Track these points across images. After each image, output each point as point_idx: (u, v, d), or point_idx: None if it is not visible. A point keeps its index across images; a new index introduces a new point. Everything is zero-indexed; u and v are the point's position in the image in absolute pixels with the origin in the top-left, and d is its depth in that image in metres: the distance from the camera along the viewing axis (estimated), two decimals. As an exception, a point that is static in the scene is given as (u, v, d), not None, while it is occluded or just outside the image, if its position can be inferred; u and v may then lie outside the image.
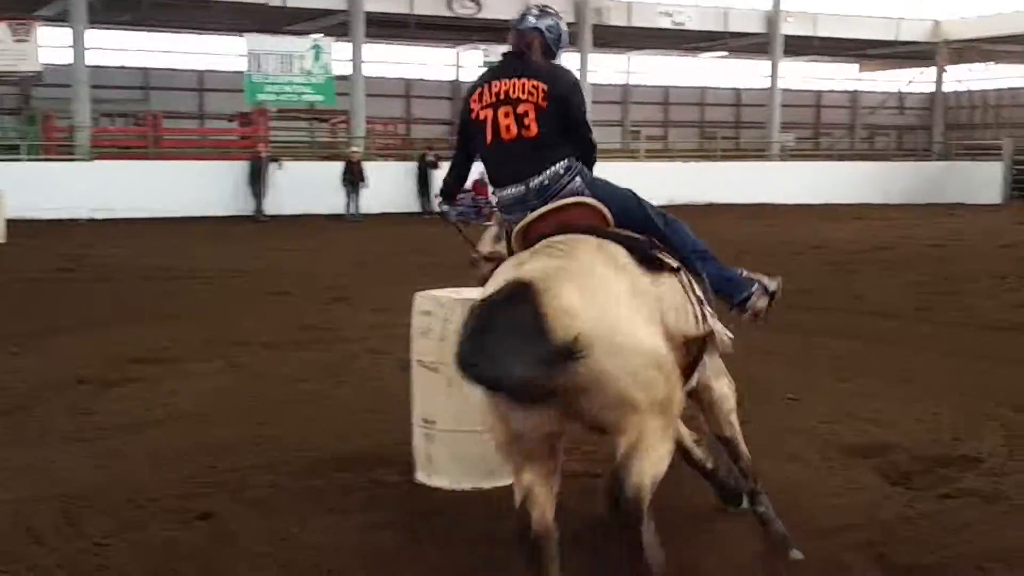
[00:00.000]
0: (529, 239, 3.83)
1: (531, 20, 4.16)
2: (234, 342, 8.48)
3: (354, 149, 25.01)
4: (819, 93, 48.78)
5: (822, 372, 7.55)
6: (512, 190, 4.03)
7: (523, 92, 3.98)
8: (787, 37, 35.23)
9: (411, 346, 5.08)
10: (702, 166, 31.08)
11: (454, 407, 4.87)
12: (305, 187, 24.01)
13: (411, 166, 25.51)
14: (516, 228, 3.97)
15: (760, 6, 35.82)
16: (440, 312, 4.91)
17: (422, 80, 42.38)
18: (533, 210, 3.95)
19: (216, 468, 5.21)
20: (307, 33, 29.76)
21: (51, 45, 28.17)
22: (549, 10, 4.23)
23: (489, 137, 4.04)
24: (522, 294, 3.15)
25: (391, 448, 5.39)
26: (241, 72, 28.46)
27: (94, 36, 28.31)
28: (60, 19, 27.87)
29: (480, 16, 31.61)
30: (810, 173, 31.34)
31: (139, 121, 30.91)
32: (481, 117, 4.06)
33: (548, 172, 3.99)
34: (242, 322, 9.46)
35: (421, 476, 5.01)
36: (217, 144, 29.32)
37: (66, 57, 27.56)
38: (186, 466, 5.24)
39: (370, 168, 23.98)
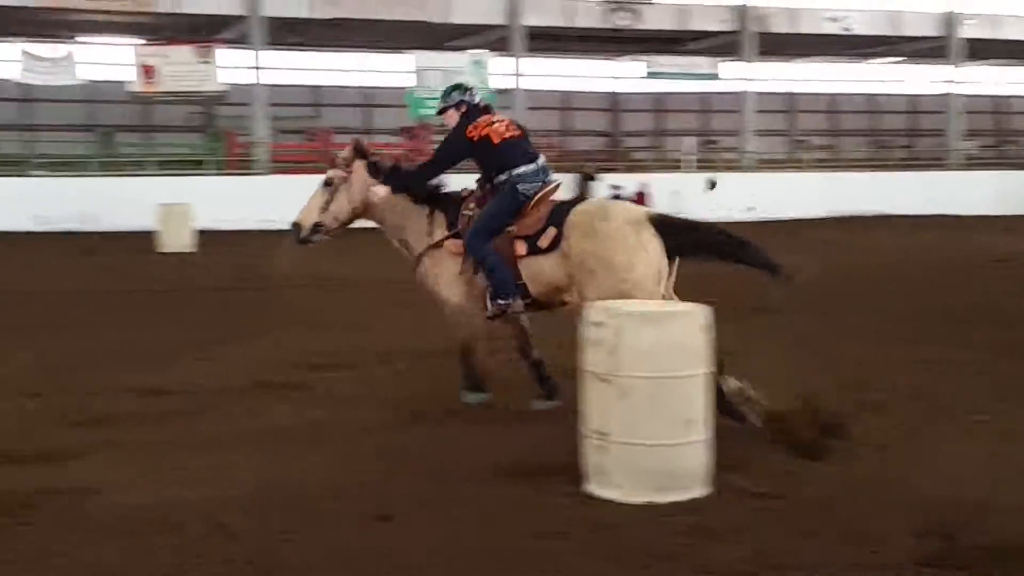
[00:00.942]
0: (548, 201, 6.39)
1: (476, 93, 6.76)
2: (404, 350, 8.64)
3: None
4: (1002, 99, 46.35)
5: (1009, 391, 7.15)
6: (529, 167, 6.40)
7: (498, 118, 6.63)
8: (966, 40, 33.71)
9: (582, 357, 5.06)
10: (873, 176, 30.02)
11: (627, 419, 4.85)
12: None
13: (570, 178, 25.56)
14: (542, 192, 6.39)
15: (935, 8, 34.39)
16: (612, 323, 4.89)
17: (581, 93, 42.46)
18: (544, 182, 6.42)
19: (391, 472, 5.33)
20: (467, 48, 30.25)
21: (232, 66, 29.50)
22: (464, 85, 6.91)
23: (496, 140, 6.44)
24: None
25: (559, 458, 5.37)
26: (405, 88, 29.15)
27: (270, 57, 29.52)
28: (240, 41, 29.21)
29: (639, 27, 31.47)
30: (993, 182, 29.81)
31: (311, 137, 32.04)
32: (483, 134, 6.46)
33: (542, 157, 6.55)
34: (410, 330, 9.62)
35: (592, 487, 4.98)
36: (382, 158, 30.03)
37: (245, 77, 28.87)
38: (362, 469, 5.38)
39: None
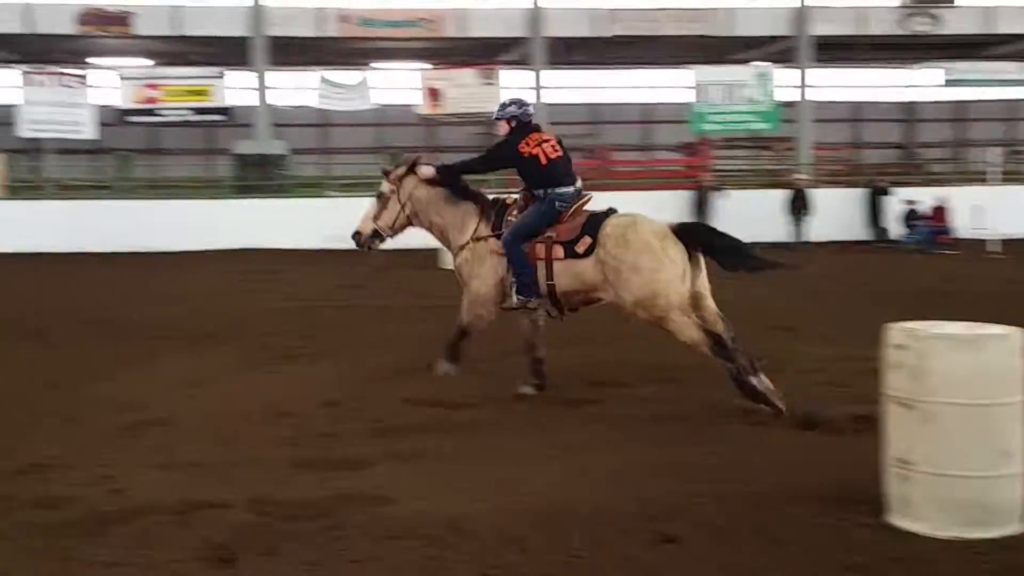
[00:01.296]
0: (582, 212, 7.38)
1: (530, 110, 7.72)
2: (685, 366, 8.43)
3: (798, 176, 24.37)
4: None
5: None
6: (569, 188, 7.44)
7: (547, 137, 7.56)
8: None
9: (883, 381, 4.79)
10: None
11: (934, 448, 4.54)
12: (750, 215, 23.70)
13: (860, 192, 24.39)
14: (575, 206, 7.39)
15: None
16: (915, 346, 4.60)
17: (871, 103, 40.60)
18: (579, 199, 7.43)
19: (677, 491, 5.21)
20: (749, 61, 29.61)
21: (513, 87, 30.35)
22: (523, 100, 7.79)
23: (544, 161, 7.42)
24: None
25: (859, 485, 5.08)
26: (685, 103, 28.90)
27: (550, 76, 30.13)
28: (521, 62, 30.06)
29: (939, 32, 29.72)
30: None
31: (590, 154, 32.45)
32: (534, 153, 7.42)
33: (579, 181, 7.56)
34: (678, 349, 9.41)
35: (895, 519, 4.69)
36: (662, 175, 29.95)
37: (527, 97, 29.61)
38: (644, 487, 5.31)
39: (817, 195, 23.21)
